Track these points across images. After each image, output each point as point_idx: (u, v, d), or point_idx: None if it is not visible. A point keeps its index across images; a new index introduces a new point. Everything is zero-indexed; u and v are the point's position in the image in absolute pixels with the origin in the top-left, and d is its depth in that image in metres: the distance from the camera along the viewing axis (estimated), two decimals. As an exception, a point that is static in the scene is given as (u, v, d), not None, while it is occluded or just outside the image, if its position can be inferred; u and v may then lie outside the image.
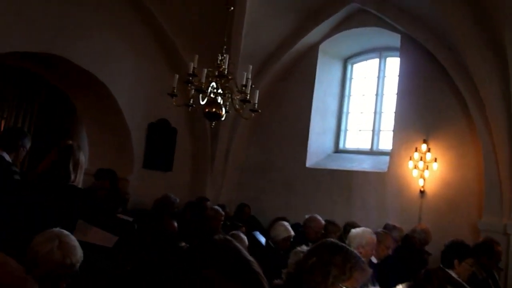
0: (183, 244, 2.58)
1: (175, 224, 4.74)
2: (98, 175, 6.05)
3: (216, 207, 5.84)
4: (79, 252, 2.12)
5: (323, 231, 5.38)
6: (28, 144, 3.43)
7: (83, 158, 3.24)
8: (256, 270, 1.16)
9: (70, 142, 3.27)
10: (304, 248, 3.87)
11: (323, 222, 5.52)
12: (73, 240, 2.14)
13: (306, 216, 5.64)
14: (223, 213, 5.63)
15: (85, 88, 7.23)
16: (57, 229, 2.18)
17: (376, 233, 4.06)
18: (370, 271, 1.91)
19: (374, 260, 4.12)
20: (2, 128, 11.14)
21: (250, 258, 1.19)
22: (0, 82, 11.12)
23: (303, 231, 5.54)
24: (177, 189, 7.24)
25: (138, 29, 7.17)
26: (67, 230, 2.24)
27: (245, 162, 8.29)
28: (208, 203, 6.63)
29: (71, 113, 10.08)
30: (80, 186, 3.25)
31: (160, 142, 7.61)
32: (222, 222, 5.53)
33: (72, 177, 3.11)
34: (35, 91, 11.64)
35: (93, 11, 6.57)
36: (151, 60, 7.40)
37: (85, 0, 6.49)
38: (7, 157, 3.18)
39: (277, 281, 1.99)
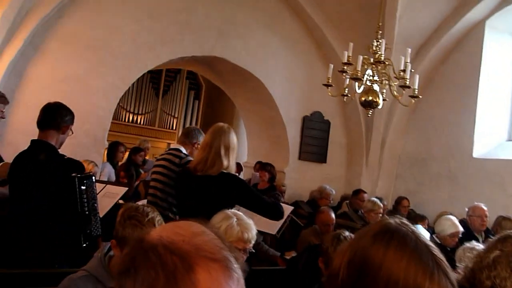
0: (347, 233, 2.55)
1: (333, 215, 4.75)
2: (257, 168, 6.36)
3: (374, 198, 5.67)
4: (254, 230, 2.29)
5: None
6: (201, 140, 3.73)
7: (234, 139, 2.98)
8: (438, 256, 1.06)
9: (221, 124, 3.02)
10: (474, 243, 3.50)
11: (485, 208, 5.02)
12: (247, 219, 2.31)
13: (466, 209, 5.18)
14: (381, 205, 5.44)
15: (242, 85, 7.67)
16: (231, 210, 2.37)
17: None
18: None
19: None
20: (174, 127, 12.58)
21: (431, 243, 1.09)
22: (171, 84, 12.58)
23: (466, 224, 5.06)
24: (332, 181, 7.26)
25: (290, 23, 7.33)
26: None
27: (403, 153, 7.87)
28: (365, 195, 6.47)
29: (230, 109, 10.89)
30: (233, 171, 2.99)
31: (314, 134, 7.69)
32: (380, 215, 5.35)
33: (225, 163, 2.90)
34: (198, 91, 12.90)
35: (250, 11, 6.91)
36: (303, 54, 7.51)
37: (243, 1, 6.87)
38: (184, 150, 3.57)
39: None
